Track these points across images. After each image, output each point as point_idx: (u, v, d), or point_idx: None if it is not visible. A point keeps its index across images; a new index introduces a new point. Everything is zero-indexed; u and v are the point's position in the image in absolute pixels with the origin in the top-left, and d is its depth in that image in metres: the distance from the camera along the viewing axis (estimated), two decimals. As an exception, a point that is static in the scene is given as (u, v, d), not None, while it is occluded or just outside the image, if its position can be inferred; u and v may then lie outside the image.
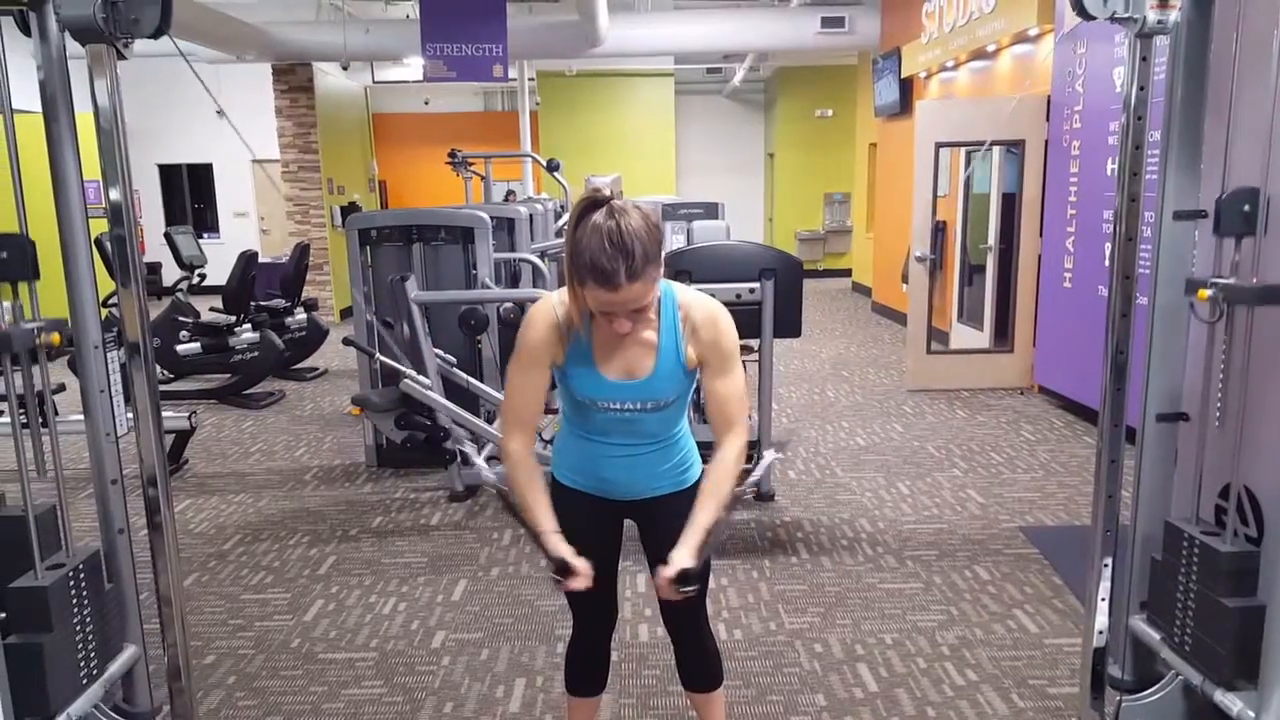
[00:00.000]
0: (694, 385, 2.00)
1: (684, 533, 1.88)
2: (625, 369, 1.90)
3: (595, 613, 2.17)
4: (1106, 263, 5.14)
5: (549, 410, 5.50)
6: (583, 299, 1.79)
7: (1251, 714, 1.92)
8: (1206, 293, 2.03)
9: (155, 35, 2.02)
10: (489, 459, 4.88)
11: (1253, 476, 2.09)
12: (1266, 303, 1.99)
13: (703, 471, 2.05)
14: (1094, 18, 2.13)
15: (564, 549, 1.88)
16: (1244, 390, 2.05)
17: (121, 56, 2.02)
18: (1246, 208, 1.99)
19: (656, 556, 2.10)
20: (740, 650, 3.06)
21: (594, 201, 1.73)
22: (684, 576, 1.82)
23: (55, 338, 2.06)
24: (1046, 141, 6.17)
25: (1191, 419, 2.24)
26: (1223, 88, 2.10)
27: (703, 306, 1.91)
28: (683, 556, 1.84)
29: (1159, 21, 2.10)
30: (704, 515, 1.90)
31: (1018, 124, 6.37)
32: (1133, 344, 2.27)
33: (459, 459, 4.55)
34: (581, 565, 1.86)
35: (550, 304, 1.90)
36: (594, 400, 1.92)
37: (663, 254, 1.78)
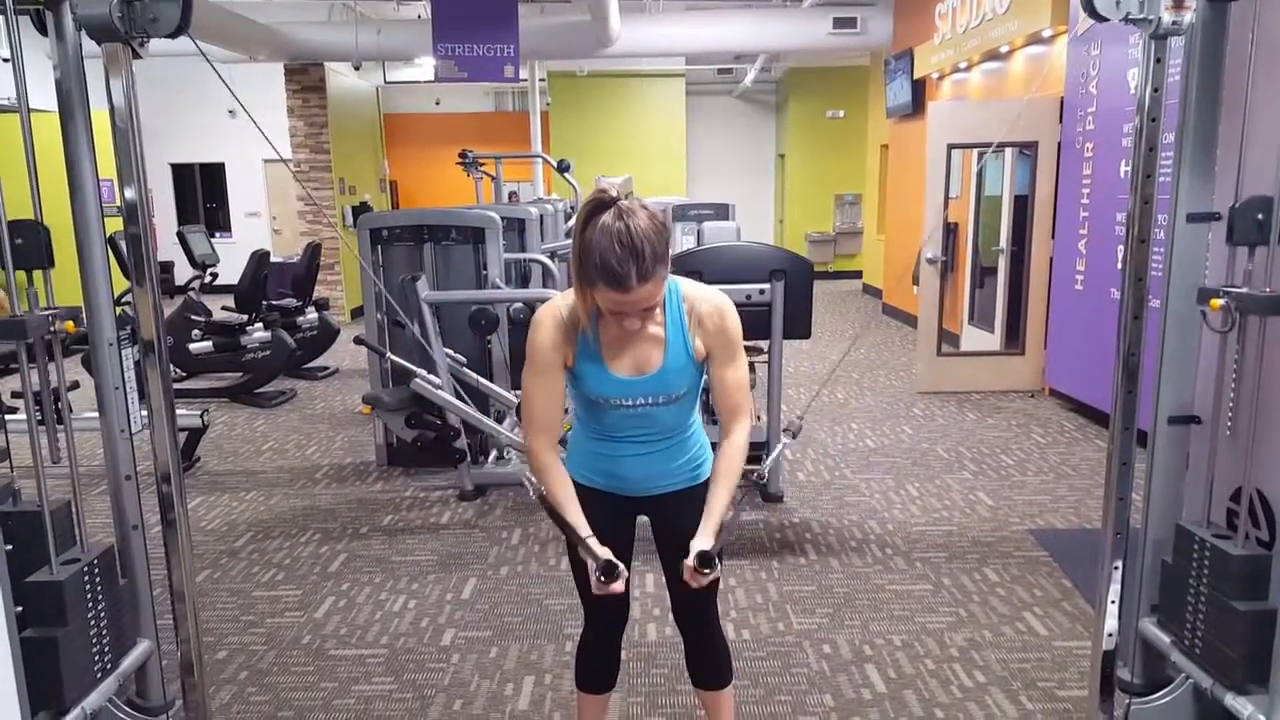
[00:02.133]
0: (703, 378, 2.01)
1: (702, 520, 1.91)
2: (634, 365, 1.91)
3: (610, 610, 2.17)
4: (1119, 265, 5.12)
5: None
6: (591, 299, 1.81)
7: (1262, 717, 1.92)
8: (1219, 302, 2.03)
9: (174, 35, 2.03)
10: (497, 459, 4.90)
11: (1265, 480, 2.09)
12: (1279, 313, 1.98)
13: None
14: (1106, 19, 2.12)
15: (605, 550, 1.88)
16: (1256, 394, 2.04)
17: (137, 55, 2.03)
18: (1260, 216, 1.99)
19: (670, 553, 2.11)
20: (749, 650, 3.06)
21: (601, 202, 1.74)
22: (705, 558, 1.84)
23: (70, 325, 2.08)
24: (1059, 143, 6.15)
25: (1203, 422, 2.24)
26: (1238, 89, 2.09)
27: (707, 298, 1.94)
28: (701, 541, 1.87)
29: (1174, 23, 2.09)
30: (718, 500, 1.92)
31: (1030, 125, 6.35)
32: (1145, 347, 2.26)
33: (468, 458, 4.57)
34: (623, 568, 1.88)
35: (556, 306, 1.91)
36: (606, 398, 1.94)
37: (670, 252, 1.79)
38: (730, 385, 1.96)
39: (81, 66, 2.08)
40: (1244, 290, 2.01)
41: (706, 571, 1.84)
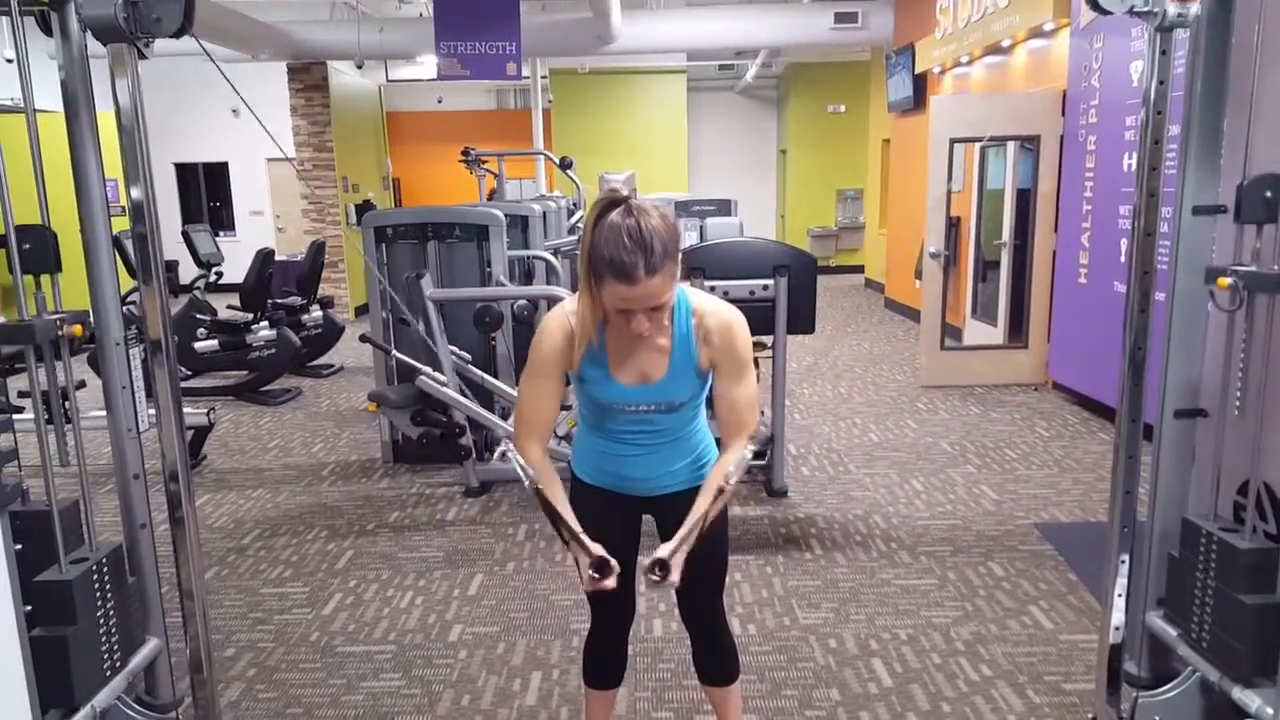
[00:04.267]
0: (708, 385, 2.00)
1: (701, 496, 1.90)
2: (639, 373, 1.91)
3: (614, 608, 2.18)
4: (1123, 258, 5.12)
5: (563, 406, 5.51)
6: (599, 301, 1.79)
7: (1270, 711, 1.92)
8: (1226, 280, 2.02)
9: (178, 35, 2.04)
10: (502, 455, 4.90)
11: (1272, 473, 2.09)
12: None
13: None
14: (1110, 12, 2.12)
15: (598, 548, 1.88)
16: (1264, 385, 2.04)
17: (142, 56, 2.04)
18: (1268, 194, 1.98)
19: None
20: (755, 645, 3.07)
21: (612, 201, 1.74)
22: (657, 564, 1.82)
23: (77, 329, 2.08)
24: (1062, 136, 6.14)
25: (1210, 415, 2.23)
26: (1244, 81, 2.08)
27: (716, 313, 1.91)
28: (665, 547, 1.85)
29: (1179, 15, 2.09)
30: (698, 508, 1.89)
31: (1033, 119, 6.34)
32: (1151, 340, 2.26)
33: (473, 455, 4.57)
34: (615, 564, 1.88)
35: (563, 313, 1.91)
36: (609, 403, 1.95)
37: (680, 254, 1.78)
38: (733, 402, 1.93)
39: (86, 67, 2.08)
40: (1252, 269, 2.00)
41: (655, 578, 1.81)
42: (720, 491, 1.83)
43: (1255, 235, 2.02)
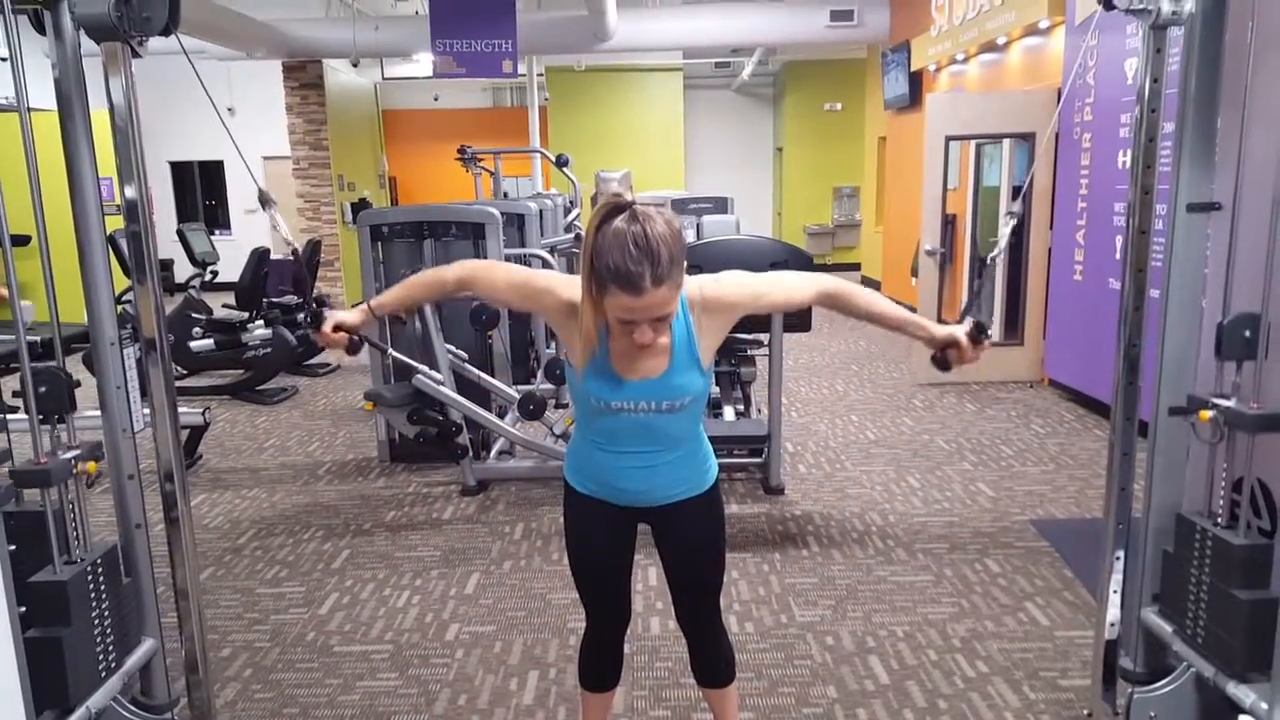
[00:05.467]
0: (709, 387, 1.97)
1: (912, 327, 1.98)
2: (638, 369, 1.85)
3: (610, 613, 2.16)
4: (1117, 255, 5.12)
5: (560, 405, 5.52)
6: (602, 311, 1.72)
7: (1265, 706, 1.92)
8: (1208, 415, 2.08)
9: (164, 33, 2.03)
10: (500, 453, 4.90)
11: (1266, 470, 2.09)
12: (1267, 430, 2.00)
13: (717, 480, 2.06)
14: (1115, 7, 2.12)
15: (347, 318, 2.05)
16: (1258, 382, 2.05)
17: (136, 54, 2.03)
18: (1247, 333, 2.02)
19: (672, 560, 2.09)
20: (752, 643, 3.07)
21: (615, 206, 1.67)
22: (980, 326, 1.90)
23: (92, 466, 2.09)
24: (1057, 134, 6.14)
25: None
26: (1237, 79, 2.09)
27: (705, 287, 1.88)
28: (951, 328, 1.94)
29: (1174, 12, 2.09)
30: (917, 320, 1.99)
31: (1028, 116, 6.34)
32: (1145, 337, 2.26)
33: (470, 454, 4.57)
34: (328, 331, 2.04)
35: (575, 289, 1.82)
36: (608, 402, 1.86)
37: (685, 260, 1.72)
38: (807, 293, 1.96)
39: (80, 66, 2.08)
40: (1232, 405, 2.04)
41: (984, 340, 1.90)
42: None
43: (1235, 371, 2.06)
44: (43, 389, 2.03)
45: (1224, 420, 2.04)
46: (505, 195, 10.81)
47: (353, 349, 2.13)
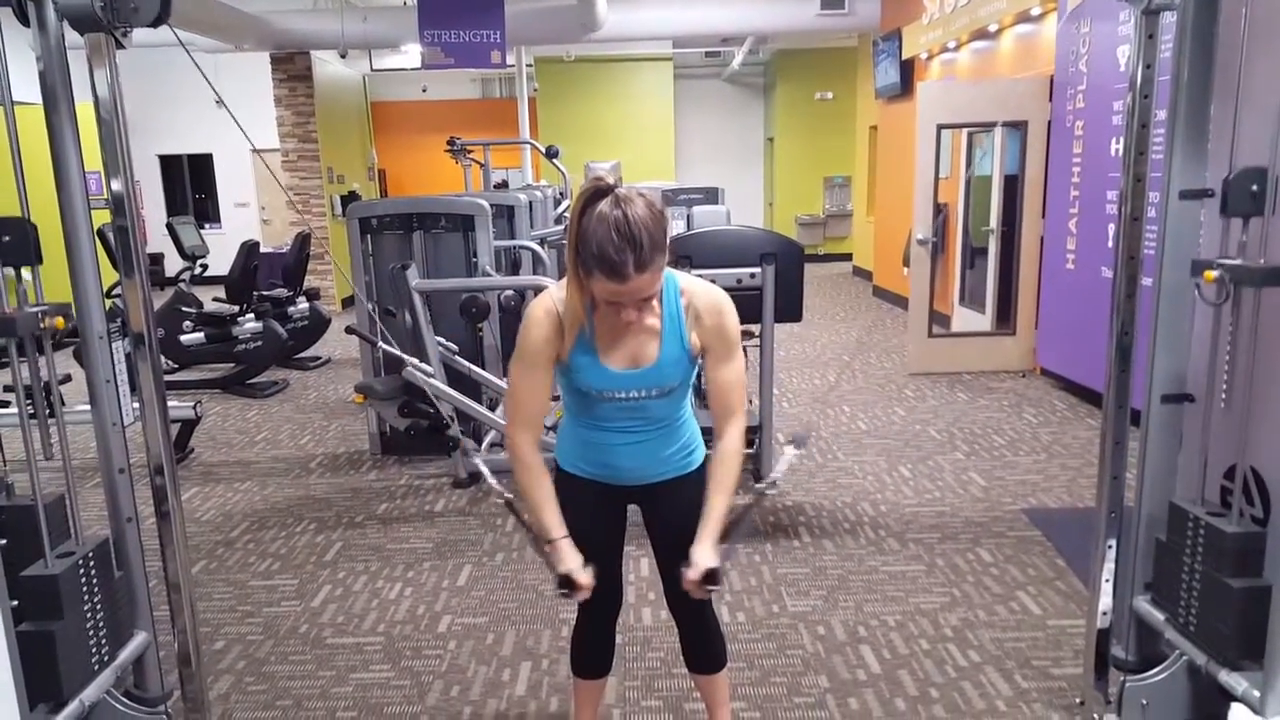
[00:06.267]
0: (696, 370, 1.99)
1: (700, 529, 1.90)
2: (629, 358, 1.89)
3: (601, 598, 2.17)
4: (1110, 243, 5.13)
5: (553, 397, 5.50)
6: (587, 290, 1.78)
7: (1256, 694, 1.93)
8: (1213, 274, 2.02)
9: (155, 24, 2.01)
10: (491, 445, 4.89)
11: (1259, 457, 2.10)
12: (1273, 284, 1.98)
13: (706, 458, 2.06)
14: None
15: (571, 560, 1.90)
16: (1250, 370, 2.05)
17: (120, 46, 2.01)
18: (1255, 188, 1.98)
19: (661, 541, 2.11)
20: (744, 633, 3.07)
21: (598, 191, 1.71)
22: (711, 575, 1.86)
23: (60, 321, 2.06)
24: (1049, 122, 6.14)
25: (1197, 400, 2.24)
26: (1231, 64, 2.08)
27: (705, 294, 1.91)
28: (705, 555, 1.87)
29: (1166, -2, 2.09)
30: (716, 509, 1.91)
31: (1020, 104, 6.34)
32: (1138, 325, 2.26)
33: (461, 446, 4.56)
34: (585, 578, 1.90)
35: (550, 300, 1.88)
36: (599, 391, 1.91)
37: (668, 241, 1.76)
38: (725, 384, 1.94)
39: (65, 58, 2.06)
40: (1238, 262, 2.00)
41: (711, 589, 1.87)
42: (758, 498, 1.88)
43: (1241, 228, 2.02)
44: (6, 238, 2.00)
45: (1230, 278, 2.00)
46: (506, 185, 10.82)
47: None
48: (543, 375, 1.93)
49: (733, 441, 1.94)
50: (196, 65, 2.33)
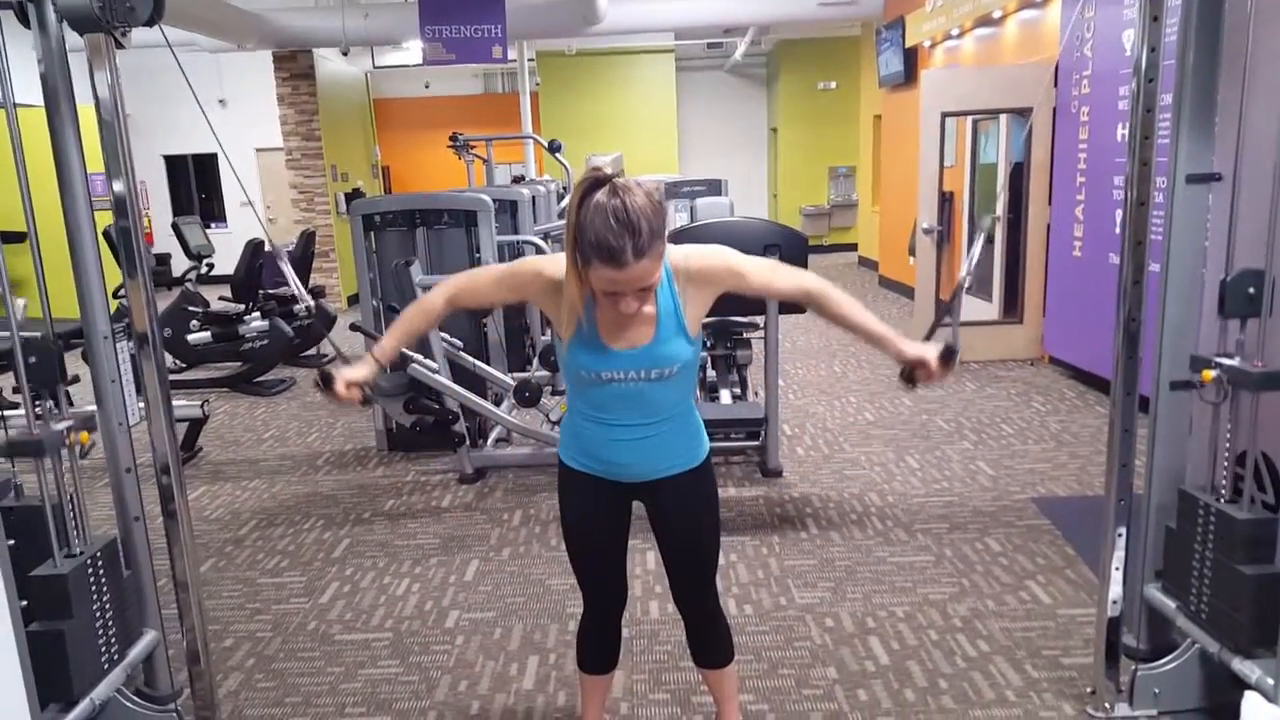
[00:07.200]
0: (699, 355, 1.98)
1: (885, 346, 1.94)
2: (626, 338, 1.87)
3: (607, 593, 2.17)
4: (1117, 230, 5.10)
5: (557, 391, 5.51)
6: (587, 281, 1.76)
7: (1270, 681, 1.92)
8: (1211, 374, 2.08)
9: (149, 23, 2.01)
10: (497, 441, 4.90)
11: (1271, 443, 2.08)
12: (1271, 388, 2.01)
13: (710, 453, 2.05)
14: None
15: (355, 372, 1.98)
16: (1261, 355, 2.04)
17: (120, 45, 2.01)
18: (1251, 289, 2.02)
19: (667, 536, 2.10)
20: (751, 625, 3.07)
21: (596, 181, 1.71)
22: (949, 351, 1.88)
23: (84, 436, 2.09)
24: (1055, 108, 6.11)
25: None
26: (1237, 48, 2.06)
27: (690, 255, 1.90)
28: (919, 348, 1.91)
29: (1170, -20, 2.07)
30: (880, 327, 1.96)
31: (1025, 91, 6.30)
32: (1145, 311, 2.25)
33: (467, 442, 4.56)
34: (343, 390, 1.97)
35: (559, 265, 1.85)
36: (598, 372, 1.88)
37: (666, 230, 1.75)
38: (791, 287, 1.96)
39: (65, 59, 2.06)
40: (1235, 363, 2.04)
41: (953, 362, 1.89)
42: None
43: (1239, 327, 2.04)
44: (32, 359, 2.02)
45: (1227, 379, 2.02)
46: (524, 179, 10.79)
47: (366, 402, 2.12)
48: (503, 294, 2.07)
49: (838, 292, 1.96)
50: (179, 64, 2.30)
